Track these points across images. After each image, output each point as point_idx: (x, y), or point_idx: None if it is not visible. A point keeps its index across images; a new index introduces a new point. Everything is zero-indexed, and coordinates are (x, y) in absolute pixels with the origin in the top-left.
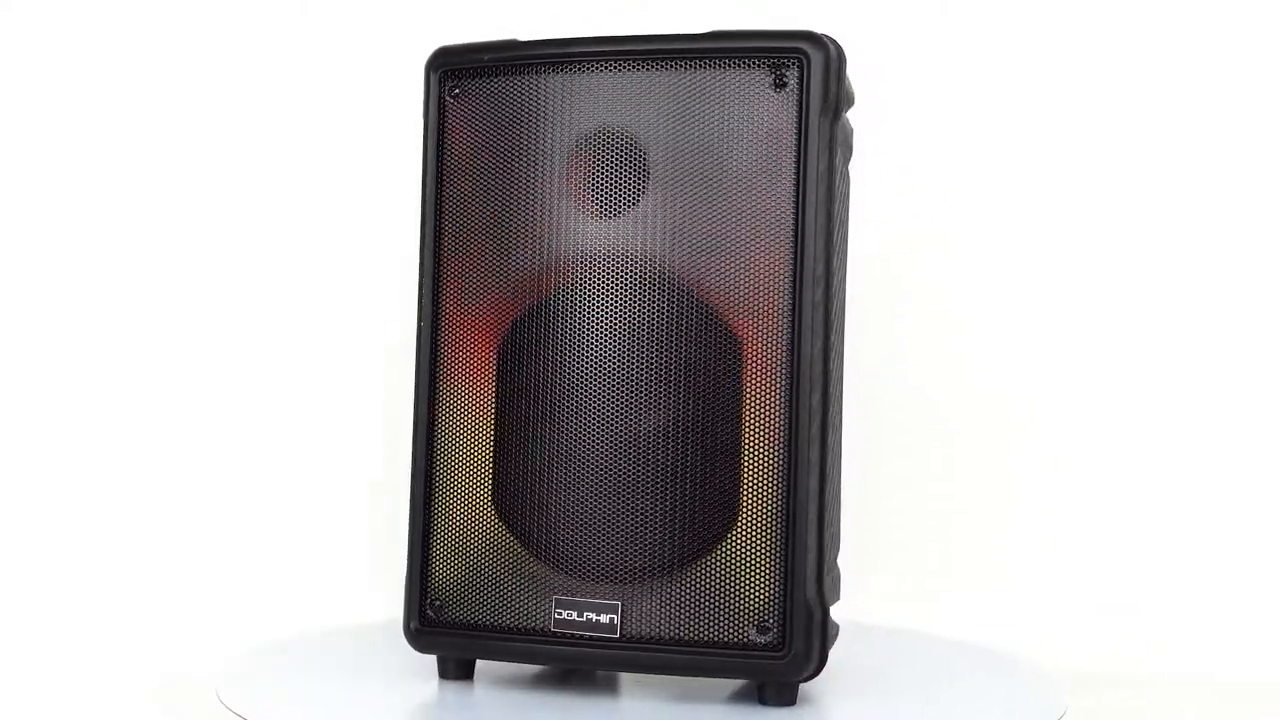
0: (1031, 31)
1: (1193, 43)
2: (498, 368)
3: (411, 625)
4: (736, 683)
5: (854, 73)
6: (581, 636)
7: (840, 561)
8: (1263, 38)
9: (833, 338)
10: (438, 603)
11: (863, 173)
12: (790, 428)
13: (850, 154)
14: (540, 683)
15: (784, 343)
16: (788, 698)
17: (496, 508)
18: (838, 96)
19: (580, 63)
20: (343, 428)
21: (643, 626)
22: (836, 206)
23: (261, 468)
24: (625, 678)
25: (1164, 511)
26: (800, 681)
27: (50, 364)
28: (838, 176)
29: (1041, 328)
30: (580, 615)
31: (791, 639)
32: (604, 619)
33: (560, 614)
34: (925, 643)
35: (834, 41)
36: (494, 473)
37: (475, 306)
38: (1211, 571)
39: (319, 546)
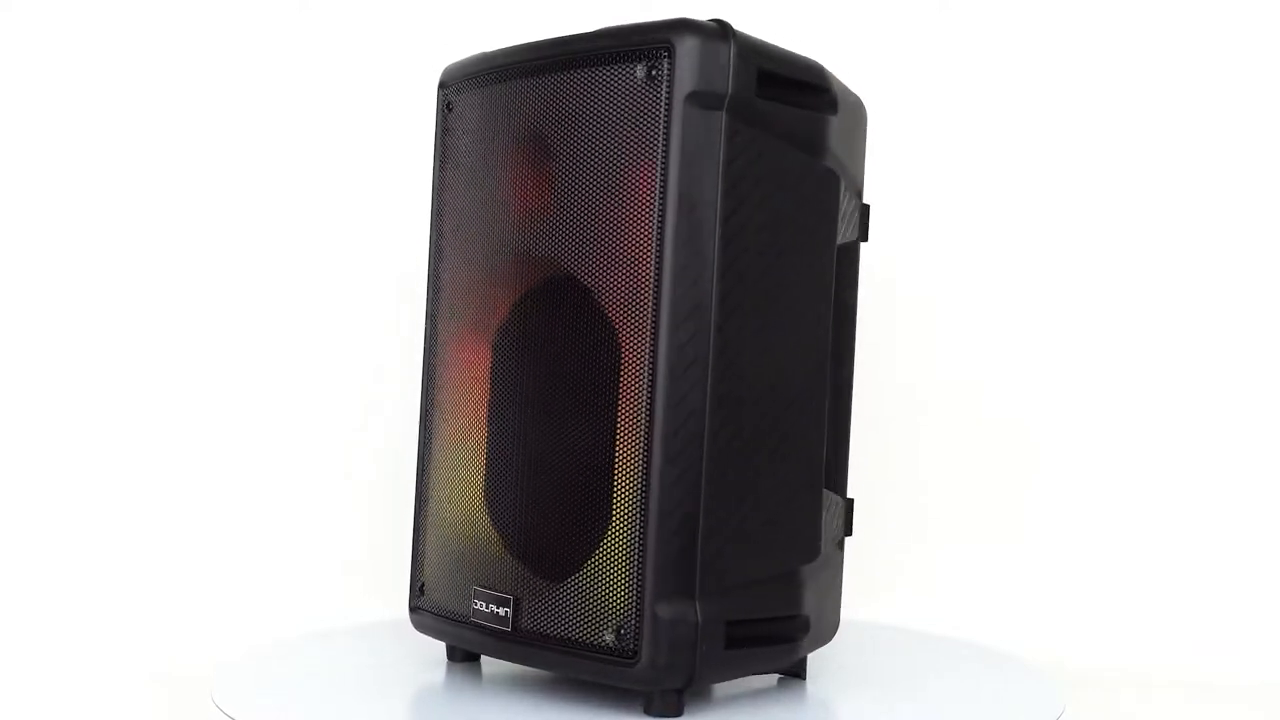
0: (1029, 36)
1: (1188, 52)
2: (490, 369)
3: (410, 603)
4: (744, 689)
5: (855, 76)
6: (486, 626)
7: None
8: (1261, 42)
9: (752, 334)
10: (424, 586)
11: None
12: (649, 430)
13: (809, 143)
14: (537, 686)
15: (649, 339)
16: (667, 707)
17: (485, 502)
18: (725, 82)
19: (509, 69)
20: (341, 428)
21: (531, 622)
22: (721, 197)
23: (259, 468)
24: None
25: (1163, 511)
26: (663, 690)
27: (49, 365)
28: (732, 164)
29: (1044, 328)
30: (485, 606)
31: (644, 647)
32: (501, 612)
33: (475, 604)
34: (923, 641)
35: (718, 25)
36: (485, 468)
37: (464, 312)
38: (1211, 571)
39: (317, 547)
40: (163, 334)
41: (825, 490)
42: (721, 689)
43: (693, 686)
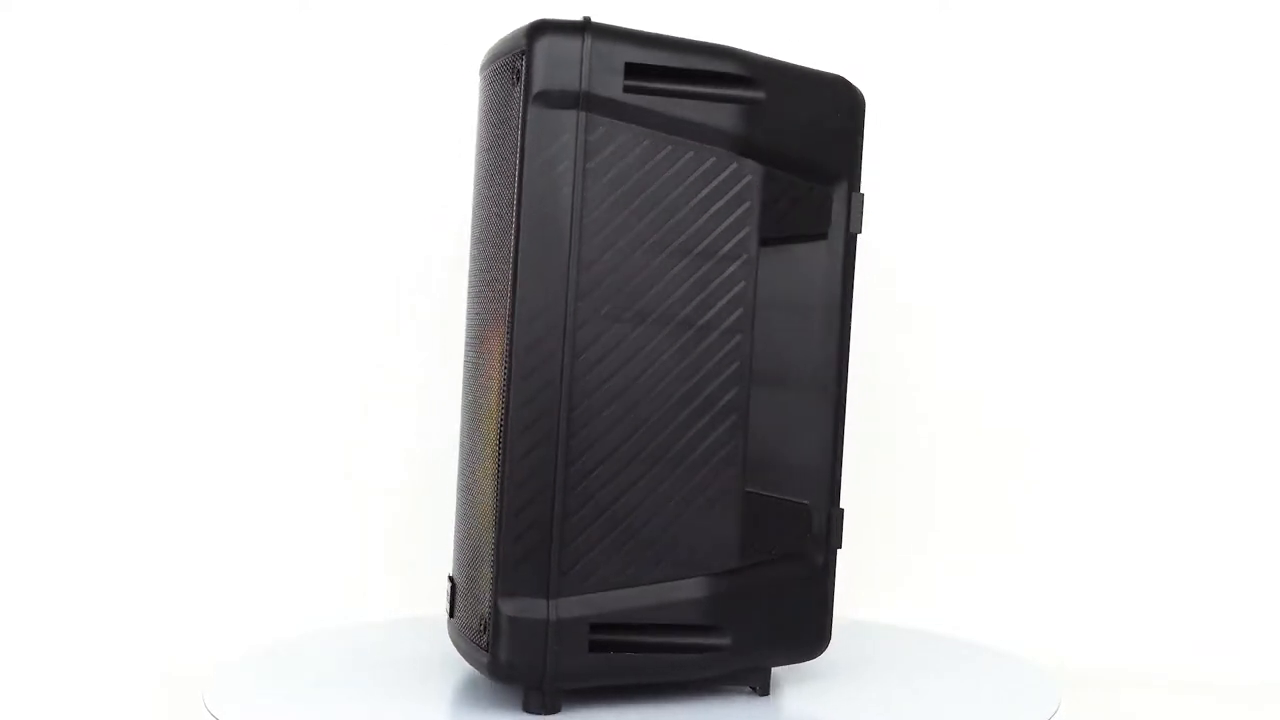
0: (1030, 35)
1: (1188, 55)
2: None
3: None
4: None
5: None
6: (447, 608)
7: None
8: (1259, 41)
9: (623, 335)
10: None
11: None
12: (502, 429)
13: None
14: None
15: (506, 340)
16: (541, 705)
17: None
18: (578, 79)
19: (485, 78)
20: (341, 428)
21: (458, 612)
22: (577, 196)
23: (259, 468)
24: None
25: (1161, 511)
26: (528, 688)
27: (48, 363)
28: (592, 162)
29: (1042, 327)
30: (448, 587)
31: (494, 643)
32: (446, 596)
33: (447, 586)
34: (920, 639)
35: (576, 22)
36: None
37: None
38: (1210, 571)
39: (317, 547)
40: (163, 334)
41: (790, 498)
42: (708, 687)
43: (551, 686)
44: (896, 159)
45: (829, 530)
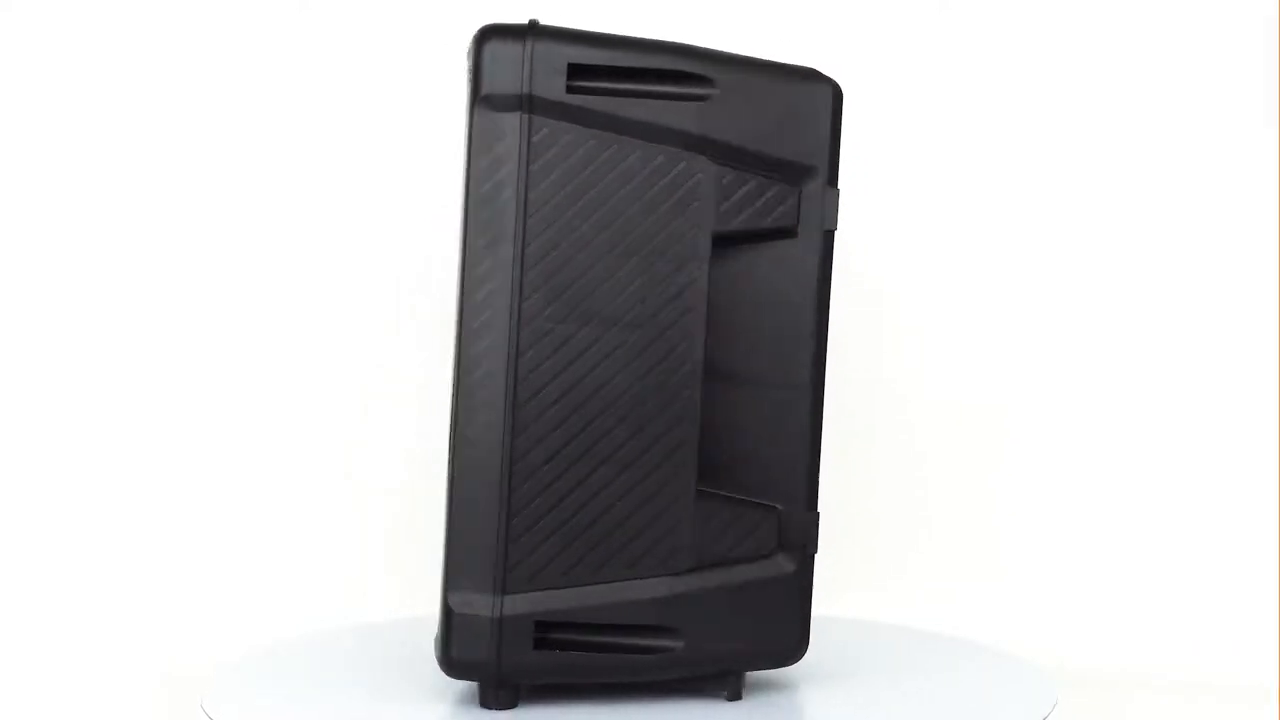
0: (1030, 35)
1: (1187, 57)
2: None
3: None
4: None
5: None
6: None
7: (832, 559)
8: (1245, 45)
9: (569, 333)
10: None
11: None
12: (454, 426)
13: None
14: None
15: (457, 339)
16: (496, 700)
17: None
18: (520, 82)
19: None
20: (341, 428)
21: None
22: (520, 197)
23: (259, 468)
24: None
25: (1160, 509)
26: (469, 679)
27: (47, 362)
28: (535, 163)
29: (1031, 320)
30: None
31: (443, 640)
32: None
33: None
34: (916, 638)
35: (521, 26)
36: None
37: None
38: (1209, 571)
39: (317, 547)
40: (163, 334)
41: (755, 500)
42: (677, 690)
43: (500, 682)
44: (902, 159)
45: (805, 533)
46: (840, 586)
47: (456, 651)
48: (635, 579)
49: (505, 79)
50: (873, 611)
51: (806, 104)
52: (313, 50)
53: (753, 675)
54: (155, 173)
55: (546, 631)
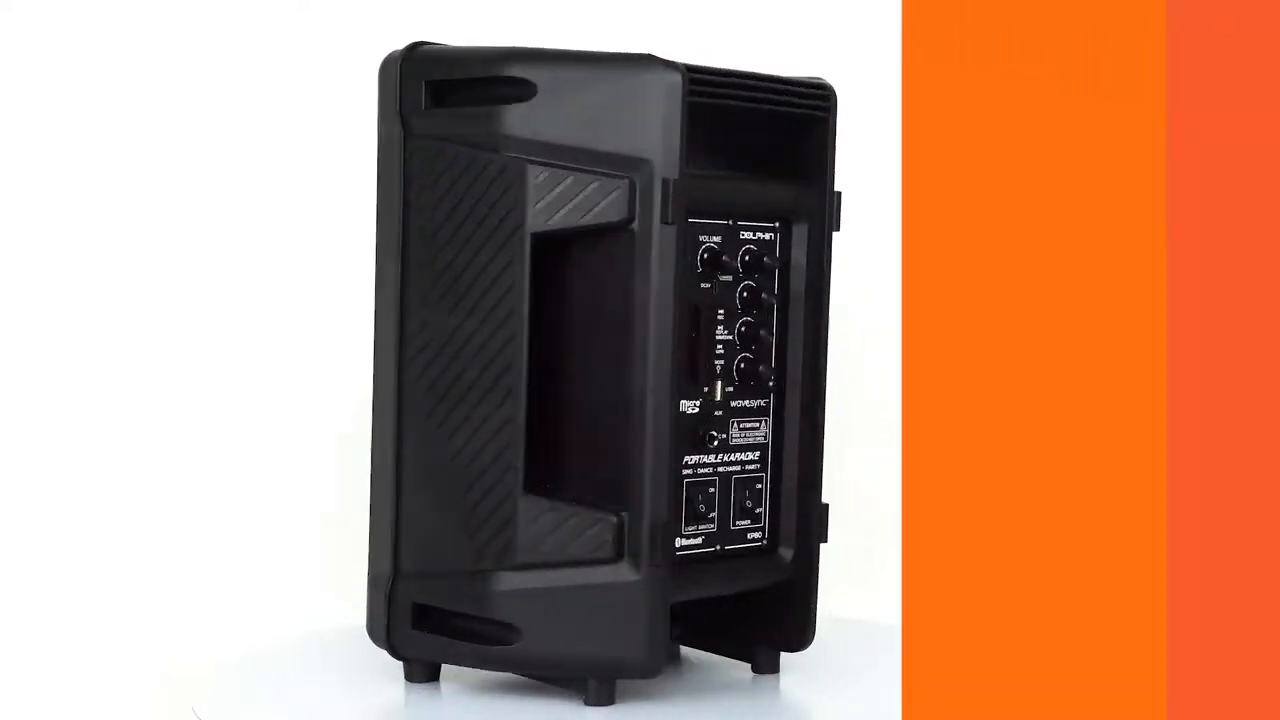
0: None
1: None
2: None
3: None
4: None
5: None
6: None
7: (833, 559)
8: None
9: (435, 328)
10: None
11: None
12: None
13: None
14: (537, 689)
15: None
16: (414, 674)
17: None
18: (396, 100)
19: None
20: (341, 428)
21: None
22: (401, 205)
23: (259, 468)
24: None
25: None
26: (384, 650)
27: (46, 361)
28: (408, 173)
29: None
30: None
31: (369, 610)
32: None
33: None
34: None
35: (402, 52)
36: None
37: None
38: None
39: (317, 547)
40: (162, 334)
41: (592, 508)
42: (694, 681)
43: (401, 658)
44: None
45: (653, 542)
46: (824, 583)
47: (370, 623)
48: (484, 571)
49: (391, 100)
50: (861, 611)
51: (636, 95)
52: (314, 50)
53: (736, 675)
54: (156, 173)
55: (421, 614)
